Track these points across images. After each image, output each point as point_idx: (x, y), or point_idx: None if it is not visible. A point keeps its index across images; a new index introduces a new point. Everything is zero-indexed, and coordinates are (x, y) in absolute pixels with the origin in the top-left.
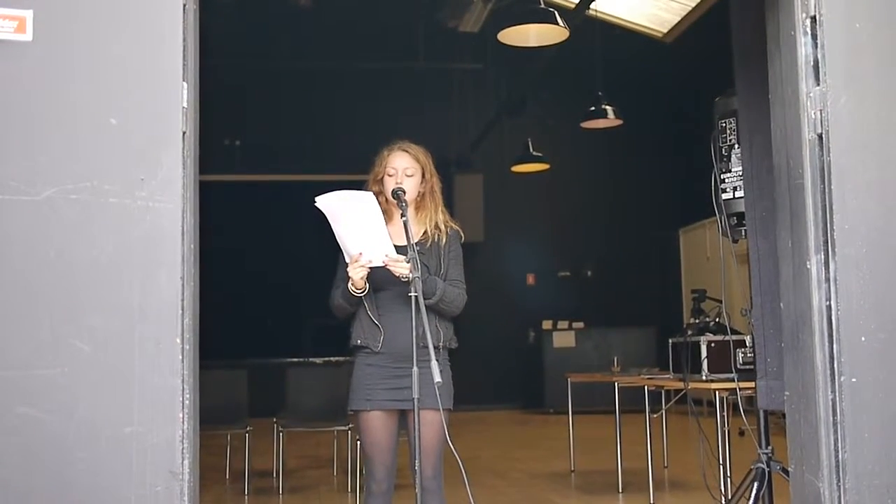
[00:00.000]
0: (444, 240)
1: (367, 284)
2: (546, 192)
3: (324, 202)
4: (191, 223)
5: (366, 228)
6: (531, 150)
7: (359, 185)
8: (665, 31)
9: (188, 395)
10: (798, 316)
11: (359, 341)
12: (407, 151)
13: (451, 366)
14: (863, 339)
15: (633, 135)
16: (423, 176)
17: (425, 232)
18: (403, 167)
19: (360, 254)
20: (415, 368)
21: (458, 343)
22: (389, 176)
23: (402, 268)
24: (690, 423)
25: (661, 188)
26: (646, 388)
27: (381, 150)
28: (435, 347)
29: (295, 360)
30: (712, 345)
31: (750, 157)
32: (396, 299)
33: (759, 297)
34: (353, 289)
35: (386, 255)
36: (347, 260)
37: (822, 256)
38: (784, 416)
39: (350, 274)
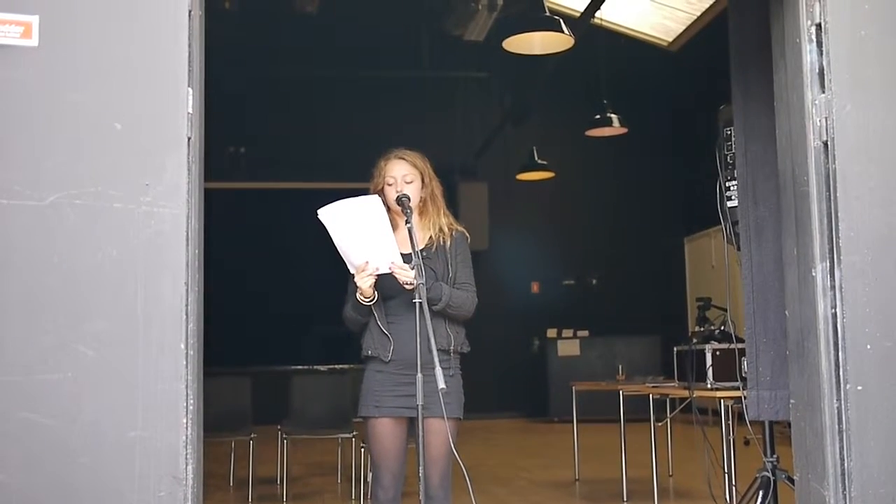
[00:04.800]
0: (449, 243)
1: (376, 292)
2: (551, 200)
3: (326, 214)
4: (195, 229)
5: (371, 234)
6: (536, 158)
7: (362, 193)
8: (670, 39)
9: (192, 401)
10: (803, 324)
11: (370, 352)
12: (404, 158)
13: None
14: (868, 346)
15: (638, 143)
16: (423, 181)
17: (430, 237)
18: (402, 174)
19: (367, 262)
20: (419, 375)
21: (469, 347)
22: (389, 185)
23: (406, 275)
24: (695, 431)
25: (666, 196)
26: (650, 396)
27: (378, 160)
28: (446, 352)
29: (299, 367)
30: (717, 353)
31: (745, 165)
32: (405, 307)
33: (751, 307)
34: (362, 298)
35: (392, 262)
36: (352, 270)
37: (828, 264)
38: (788, 424)
39: (357, 283)
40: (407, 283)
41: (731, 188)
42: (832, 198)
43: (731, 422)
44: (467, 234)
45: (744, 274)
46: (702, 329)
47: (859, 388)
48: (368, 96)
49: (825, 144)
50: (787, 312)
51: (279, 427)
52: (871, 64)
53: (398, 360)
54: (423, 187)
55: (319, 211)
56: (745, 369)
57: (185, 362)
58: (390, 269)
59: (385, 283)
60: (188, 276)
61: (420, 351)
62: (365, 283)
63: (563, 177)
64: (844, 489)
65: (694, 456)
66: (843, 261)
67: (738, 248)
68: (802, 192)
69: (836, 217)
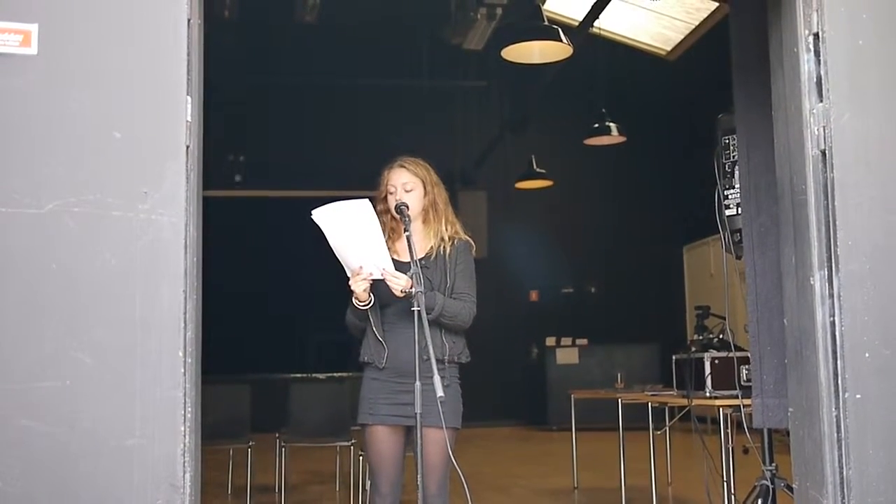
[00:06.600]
0: (449, 252)
1: (372, 297)
2: (550, 208)
3: (320, 215)
4: (193, 236)
5: (364, 239)
6: (535, 166)
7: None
8: (669, 49)
9: (190, 409)
10: (801, 332)
11: (366, 358)
12: (405, 167)
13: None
14: (867, 355)
15: (636, 151)
16: (425, 189)
17: (431, 246)
18: (402, 182)
19: (361, 267)
20: (417, 383)
21: (469, 357)
22: (390, 194)
23: (398, 282)
24: (694, 440)
25: (664, 205)
26: (649, 404)
27: (382, 168)
28: (441, 361)
29: (298, 375)
30: (716, 361)
31: (748, 173)
32: (401, 314)
33: (755, 314)
34: (357, 302)
35: (383, 269)
36: (349, 273)
37: (826, 272)
38: (787, 433)
39: (352, 287)
40: (398, 291)
41: (730, 197)
42: (830, 206)
43: (729, 430)
44: (472, 243)
45: (747, 282)
46: (700, 337)
47: (858, 396)
48: (368, 105)
49: (823, 153)
50: (785, 321)
51: (277, 435)
52: (869, 73)
53: (392, 367)
54: (424, 195)
55: (314, 212)
56: (745, 378)
57: (183, 370)
58: (382, 275)
59: (382, 289)
60: (186, 284)
61: (417, 359)
62: (359, 288)
63: (562, 185)
64: (843, 498)
65: (693, 464)
66: (842, 269)
67: (737, 257)
68: (801, 201)
69: (835, 225)
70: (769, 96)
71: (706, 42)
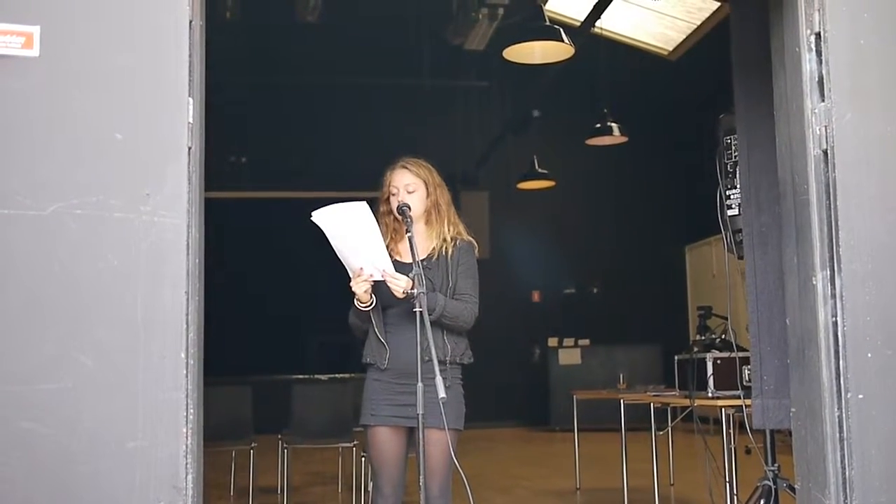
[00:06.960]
0: (451, 253)
1: (374, 298)
2: (552, 208)
3: (320, 217)
4: (196, 238)
5: (363, 240)
6: (537, 167)
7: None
8: (670, 48)
9: (192, 410)
10: (804, 332)
11: (368, 359)
12: (407, 168)
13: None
14: (869, 355)
15: (638, 152)
16: (427, 190)
17: (433, 247)
18: (405, 184)
19: (362, 268)
20: (419, 384)
21: (472, 358)
22: (393, 195)
23: (398, 284)
24: (696, 440)
25: (666, 205)
26: (651, 405)
27: (385, 169)
28: (442, 362)
29: (300, 376)
30: (718, 362)
31: (748, 173)
32: (403, 316)
33: (755, 314)
34: (359, 303)
35: (383, 270)
36: (351, 275)
37: (828, 272)
38: (789, 433)
39: (353, 289)
40: (399, 293)
41: (732, 197)
42: (832, 206)
43: (732, 431)
44: (474, 244)
45: (748, 282)
46: (703, 338)
47: (860, 396)
48: (369, 105)
49: (825, 153)
50: (787, 321)
51: (280, 436)
52: (870, 72)
53: (393, 368)
54: (427, 196)
55: (313, 214)
56: (747, 378)
57: (185, 371)
58: (383, 276)
59: (384, 291)
60: (188, 285)
61: (419, 360)
62: (360, 289)
63: (564, 185)
64: (846, 498)
65: (695, 465)
66: (844, 269)
67: (739, 257)
68: (802, 201)
69: (837, 225)
70: (770, 96)
71: (708, 42)
